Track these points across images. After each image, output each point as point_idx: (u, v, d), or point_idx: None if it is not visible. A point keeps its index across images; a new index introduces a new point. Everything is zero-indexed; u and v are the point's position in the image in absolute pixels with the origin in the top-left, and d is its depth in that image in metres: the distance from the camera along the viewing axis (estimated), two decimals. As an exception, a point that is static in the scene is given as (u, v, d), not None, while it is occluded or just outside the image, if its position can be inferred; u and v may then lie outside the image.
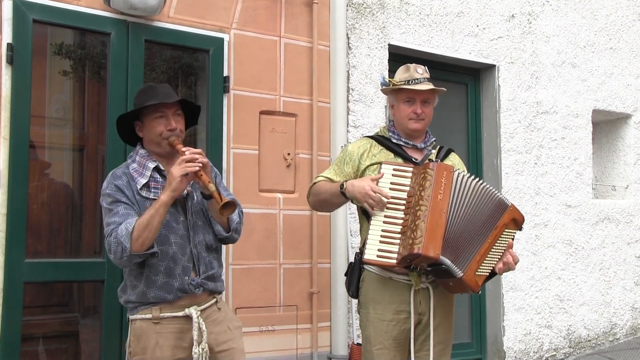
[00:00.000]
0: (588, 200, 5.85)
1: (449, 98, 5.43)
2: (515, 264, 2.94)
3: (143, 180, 2.70)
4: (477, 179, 2.91)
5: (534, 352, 5.40)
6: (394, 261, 2.80)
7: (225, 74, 4.09)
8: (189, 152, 2.65)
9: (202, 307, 2.75)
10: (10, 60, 3.40)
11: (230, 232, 2.86)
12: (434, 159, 3.08)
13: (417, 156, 3.11)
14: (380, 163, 2.96)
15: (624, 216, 6.11)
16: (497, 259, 2.90)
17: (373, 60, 4.69)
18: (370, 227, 2.85)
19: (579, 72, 5.89)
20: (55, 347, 3.78)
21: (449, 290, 3.00)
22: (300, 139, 4.35)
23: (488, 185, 2.93)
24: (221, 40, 4.09)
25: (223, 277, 2.93)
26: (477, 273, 2.83)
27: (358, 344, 4.15)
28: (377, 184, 2.86)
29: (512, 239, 2.94)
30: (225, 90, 4.08)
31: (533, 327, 5.41)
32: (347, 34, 4.59)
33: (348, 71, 4.57)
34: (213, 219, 2.83)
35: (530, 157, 5.51)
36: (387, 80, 3.17)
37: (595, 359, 5.58)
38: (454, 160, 3.22)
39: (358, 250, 3.11)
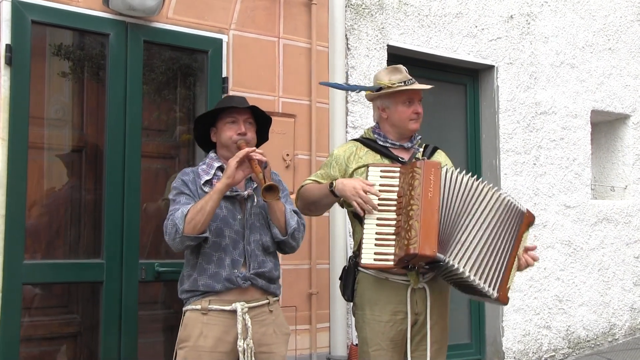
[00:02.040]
0: (587, 200, 5.86)
1: (448, 98, 5.44)
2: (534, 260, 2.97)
3: (206, 177, 2.90)
4: (469, 174, 2.91)
5: (533, 352, 5.40)
6: (392, 263, 2.79)
7: (224, 74, 4.09)
8: (248, 147, 2.85)
9: (251, 304, 2.84)
10: (9, 61, 3.40)
11: (286, 236, 2.93)
12: (420, 158, 3.07)
13: (404, 156, 3.11)
14: (367, 166, 2.95)
15: (623, 217, 6.12)
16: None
17: (372, 61, 4.70)
18: (364, 230, 2.84)
19: (577, 73, 5.89)
20: (54, 349, 3.77)
21: (473, 299, 3.02)
22: (299, 139, 4.35)
23: (504, 193, 2.93)
24: (220, 41, 4.09)
25: (281, 282, 3.05)
26: (507, 286, 2.85)
27: (357, 345, 4.15)
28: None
29: (526, 239, 2.97)
30: (224, 91, 4.07)
31: (532, 327, 5.41)
32: (346, 35, 4.59)
33: (347, 72, 4.57)
34: (271, 222, 2.94)
35: (529, 157, 5.51)
36: (377, 85, 3.13)
37: (594, 359, 5.58)
38: (440, 157, 3.21)
39: (351, 254, 3.11)
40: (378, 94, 3.13)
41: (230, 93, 4.09)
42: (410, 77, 3.12)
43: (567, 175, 5.73)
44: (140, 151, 3.77)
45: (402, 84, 3.08)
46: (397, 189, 2.86)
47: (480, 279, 2.78)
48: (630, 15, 6.35)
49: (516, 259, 2.90)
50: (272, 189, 2.73)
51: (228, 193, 2.84)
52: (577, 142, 5.83)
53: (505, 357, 5.25)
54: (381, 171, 2.91)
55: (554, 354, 5.53)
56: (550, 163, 5.64)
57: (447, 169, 2.87)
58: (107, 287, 3.61)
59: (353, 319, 3.19)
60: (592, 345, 5.79)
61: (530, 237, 5.40)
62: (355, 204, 2.83)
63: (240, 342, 2.76)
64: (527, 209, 2.97)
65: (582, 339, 5.73)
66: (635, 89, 6.33)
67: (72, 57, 3.90)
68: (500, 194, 2.91)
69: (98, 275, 3.61)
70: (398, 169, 2.91)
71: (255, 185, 2.94)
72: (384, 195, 2.86)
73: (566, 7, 5.88)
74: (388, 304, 2.96)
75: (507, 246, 2.87)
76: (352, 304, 3.16)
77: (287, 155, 4.29)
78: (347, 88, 3.55)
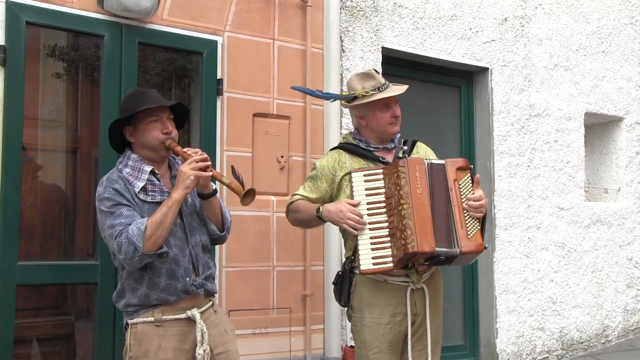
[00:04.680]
0: (580, 202, 5.87)
1: (442, 101, 5.46)
2: (479, 199, 2.88)
3: (140, 184, 2.69)
4: (433, 159, 2.94)
5: (526, 354, 5.41)
6: (392, 265, 2.81)
7: (218, 76, 4.09)
8: (191, 151, 2.71)
9: (202, 309, 2.76)
10: (3, 63, 3.39)
11: (224, 232, 2.90)
12: (400, 155, 3.09)
13: (387, 157, 3.11)
14: (349, 173, 2.96)
15: (616, 219, 6.14)
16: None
17: (367, 63, 4.70)
18: (359, 237, 2.85)
19: (571, 75, 5.91)
20: (48, 350, 3.77)
21: (462, 264, 2.99)
22: (293, 141, 4.35)
23: (431, 159, 2.96)
24: (215, 42, 4.09)
25: (217, 280, 2.94)
26: (469, 237, 2.82)
27: (351, 347, 4.15)
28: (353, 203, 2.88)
29: (472, 181, 2.93)
30: (219, 92, 4.08)
31: (526, 329, 5.43)
32: (341, 37, 4.60)
33: (341, 74, 4.58)
34: (208, 219, 2.85)
35: (523, 159, 5.52)
36: (352, 94, 3.10)
37: (588, 361, 5.61)
38: (420, 150, 3.22)
39: (345, 259, 3.10)
40: (354, 104, 3.12)
41: (225, 95, 4.09)
42: (384, 82, 3.08)
43: (560, 177, 5.75)
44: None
45: (376, 90, 3.05)
46: (383, 190, 2.89)
47: (442, 247, 2.78)
48: (623, 19, 6.37)
49: (461, 208, 2.84)
50: (250, 193, 2.66)
51: (164, 198, 2.69)
52: (571, 145, 5.85)
53: (499, 358, 5.26)
54: (364, 175, 2.93)
55: (547, 355, 5.55)
56: (544, 165, 5.66)
57: (428, 163, 2.89)
58: (101, 288, 3.60)
59: (347, 321, 3.19)
60: (586, 347, 5.81)
61: (524, 240, 5.42)
62: (346, 226, 2.86)
63: (199, 350, 2.67)
64: (445, 160, 2.93)
65: (576, 341, 5.74)
66: (629, 91, 6.36)
67: (66, 59, 3.90)
68: (431, 162, 2.92)
69: (92, 277, 3.61)
70: (381, 170, 2.93)
71: None
72: (371, 199, 2.89)
73: (560, 10, 5.90)
74: (387, 306, 2.97)
75: (447, 203, 2.86)
76: (346, 307, 3.16)
77: (282, 156, 4.29)
78: (321, 96, 3.45)
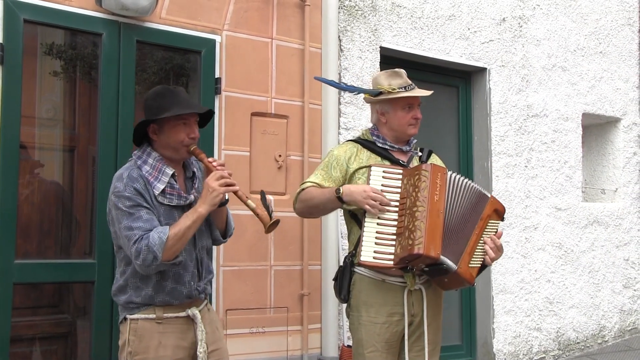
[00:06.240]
0: (578, 203, 5.88)
1: (440, 101, 5.45)
2: (499, 249, 2.97)
3: (161, 186, 2.67)
4: (467, 179, 2.96)
5: (523, 354, 5.42)
6: (391, 262, 2.81)
7: (217, 75, 4.08)
8: (216, 163, 2.70)
9: (199, 308, 2.79)
10: (1, 61, 3.39)
11: (226, 239, 2.94)
12: (418, 161, 3.14)
13: (403, 158, 3.13)
14: (370, 166, 2.97)
15: (613, 219, 6.15)
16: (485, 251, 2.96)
17: (365, 62, 4.70)
18: (365, 229, 2.86)
19: (569, 76, 5.92)
20: (45, 349, 3.76)
21: (444, 287, 3.03)
22: (291, 140, 4.35)
23: (473, 183, 2.99)
24: (213, 41, 4.09)
25: (213, 279, 2.97)
26: (470, 265, 2.87)
27: (348, 346, 4.16)
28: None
29: (497, 230, 2.99)
30: (217, 91, 4.07)
31: (523, 329, 5.43)
32: (339, 36, 4.60)
33: (340, 73, 4.58)
34: (213, 225, 2.87)
35: (521, 160, 5.53)
36: (377, 89, 3.13)
37: (584, 361, 5.62)
38: (435, 161, 3.25)
39: (347, 254, 3.11)
40: (377, 99, 3.13)
41: (223, 94, 4.09)
42: (410, 82, 3.12)
43: (558, 177, 5.76)
44: (133, 151, 3.76)
45: (403, 89, 3.08)
46: (398, 190, 2.90)
47: (447, 257, 2.81)
48: (621, 20, 6.38)
49: (478, 240, 2.91)
50: (277, 223, 2.70)
51: (181, 202, 2.72)
52: (569, 145, 5.86)
53: (496, 358, 5.26)
54: (384, 172, 2.94)
55: (544, 355, 5.55)
56: (542, 165, 5.66)
57: (451, 174, 2.92)
58: (98, 287, 3.60)
59: (345, 320, 3.19)
60: (582, 347, 5.81)
61: (521, 240, 5.42)
62: (368, 206, 2.84)
63: (200, 349, 2.70)
64: (491, 195, 3.01)
65: (572, 341, 5.75)
66: (626, 92, 6.37)
67: (64, 57, 3.89)
68: (474, 185, 2.97)
69: (90, 275, 3.60)
70: (400, 170, 2.95)
71: (196, 185, 2.81)
72: (386, 195, 2.89)
73: (558, 11, 5.91)
74: (384, 306, 2.97)
75: (470, 226, 2.91)
76: (345, 305, 3.15)
77: (280, 156, 4.29)
78: (345, 88, 3.50)
